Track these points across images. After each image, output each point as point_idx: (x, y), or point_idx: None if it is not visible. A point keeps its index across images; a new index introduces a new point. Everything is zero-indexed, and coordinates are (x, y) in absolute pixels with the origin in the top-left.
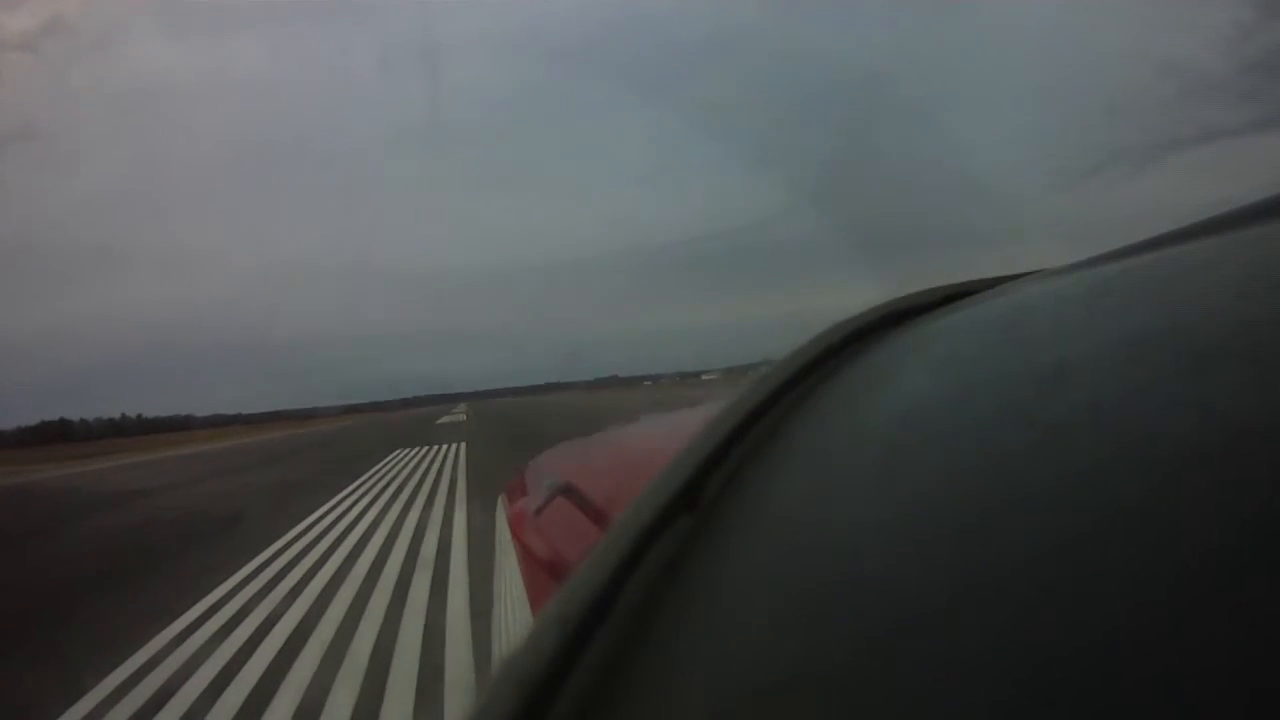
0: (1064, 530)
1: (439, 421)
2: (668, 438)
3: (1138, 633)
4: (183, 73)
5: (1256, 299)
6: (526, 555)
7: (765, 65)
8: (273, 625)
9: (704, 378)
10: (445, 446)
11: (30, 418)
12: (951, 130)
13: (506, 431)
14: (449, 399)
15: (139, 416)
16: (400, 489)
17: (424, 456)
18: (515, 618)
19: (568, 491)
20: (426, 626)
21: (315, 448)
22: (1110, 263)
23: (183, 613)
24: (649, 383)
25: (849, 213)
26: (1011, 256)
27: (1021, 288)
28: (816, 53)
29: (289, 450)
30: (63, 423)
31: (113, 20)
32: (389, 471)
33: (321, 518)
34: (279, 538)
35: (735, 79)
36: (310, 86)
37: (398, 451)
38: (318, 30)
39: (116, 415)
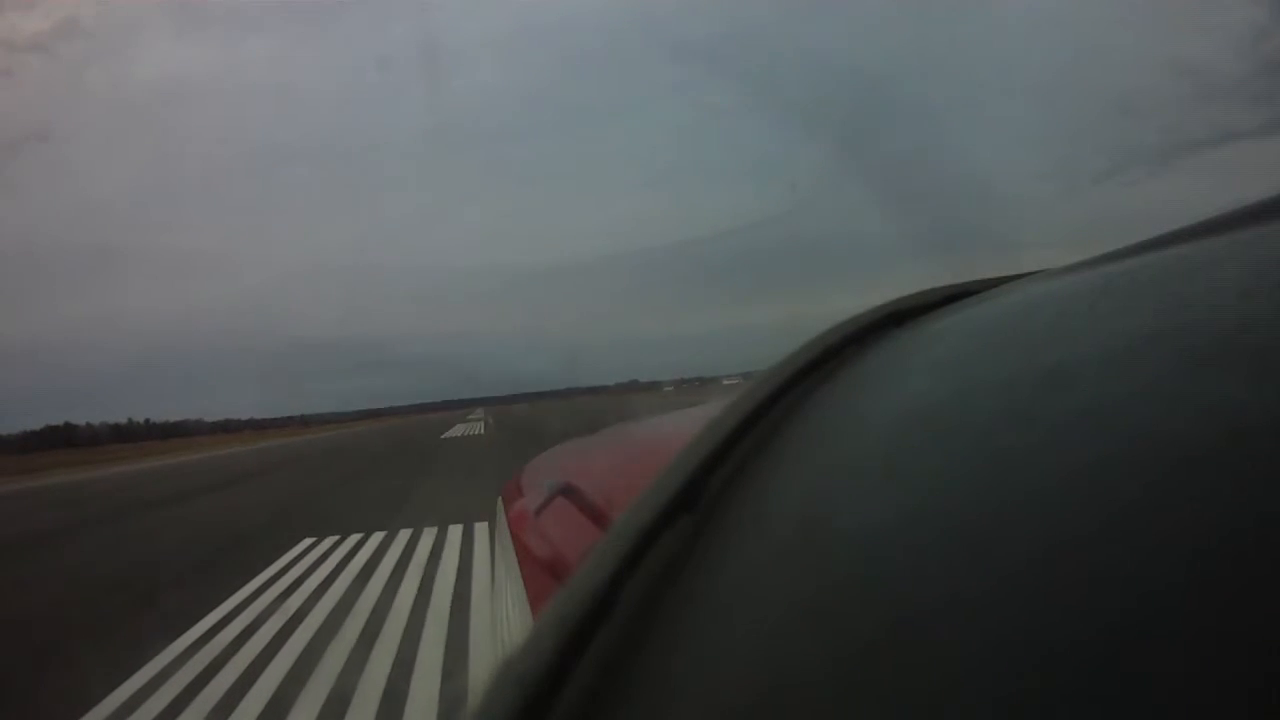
0: (1064, 530)
1: (446, 436)
2: (668, 438)
3: (1138, 633)
4: (195, 75)
5: (1257, 299)
6: (526, 555)
7: (772, 65)
8: None
9: (725, 382)
10: (431, 542)
11: (37, 421)
12: (962, 131)
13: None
14: (464, 404)
15: (146, 421)
16: None
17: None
18: (515, 618)
19: (568, 491)
20: None
21: (215, 489)
22: (1110, 263)
23: None
24: (669, 388)
25: (859, 217)
26: (1024, 262)
27: (1021, 288)
28: (826, 51)
29: (153, 499)
30: (67, 427)
31: (126, 22)
32: None
33: None
34: None
35: (741, 79)
36: (323, 88)
37: (305, 550)
38: (331, 31)
39: (123, 420)
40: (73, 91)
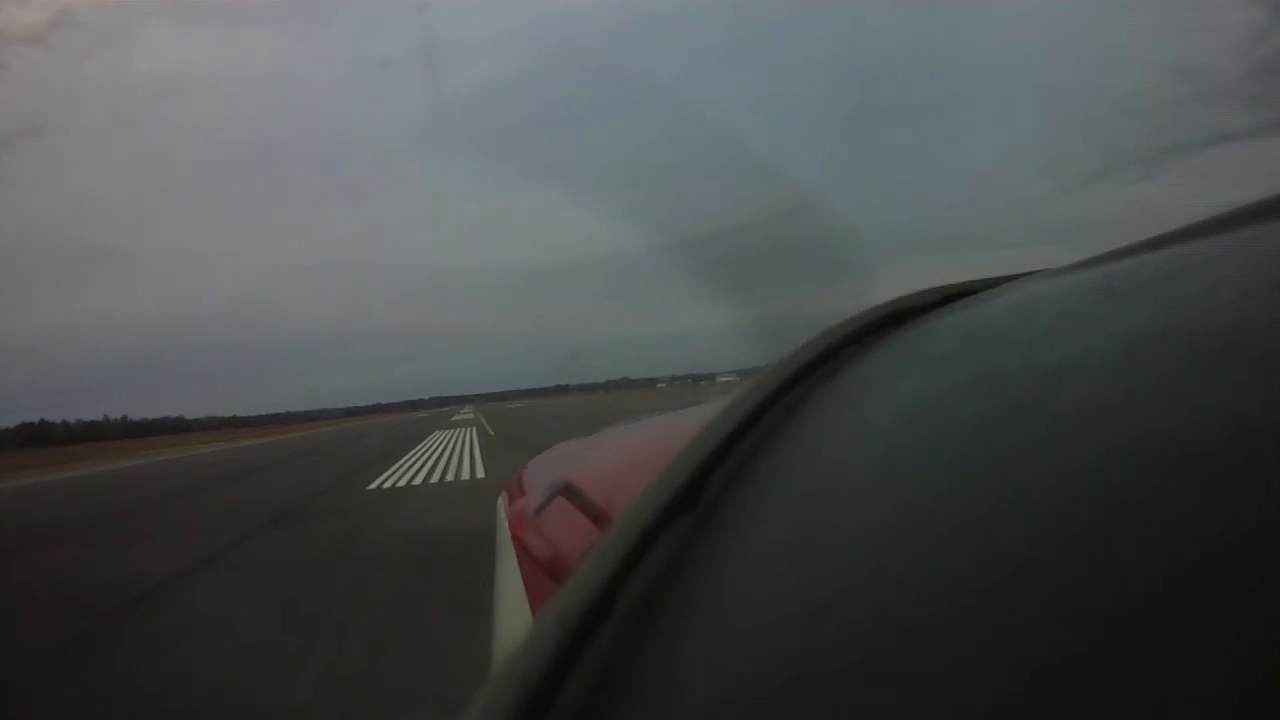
0: (1064, 530)
1: (387, 468)
2: (668, 438)
3: (1138, 633)
4: (193, 67)
5: (1256, 299)
6: (526, 555)
7: (770, 67)
8: None
9: (720, 379)
10: None
11: (12, 419)
12: (959, 131)
13: None
14: (454, 401)
15: (123, 419)
16: None
17: None
18: (515, 618)
19: (568, 491)
20: None
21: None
22: (1110, 263)
23: None
24: (663, 384)
25: (852, 215)
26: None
27: (1021, 288)
28: (821, 50)
29: None
30: (42, 424)
31: (122, 14)
32: None
33: None
34: None
35: (739, 80)
36: (322, 83)
37: None
38: (331, 26)
39: (99, 417)
40: (68, 85)
